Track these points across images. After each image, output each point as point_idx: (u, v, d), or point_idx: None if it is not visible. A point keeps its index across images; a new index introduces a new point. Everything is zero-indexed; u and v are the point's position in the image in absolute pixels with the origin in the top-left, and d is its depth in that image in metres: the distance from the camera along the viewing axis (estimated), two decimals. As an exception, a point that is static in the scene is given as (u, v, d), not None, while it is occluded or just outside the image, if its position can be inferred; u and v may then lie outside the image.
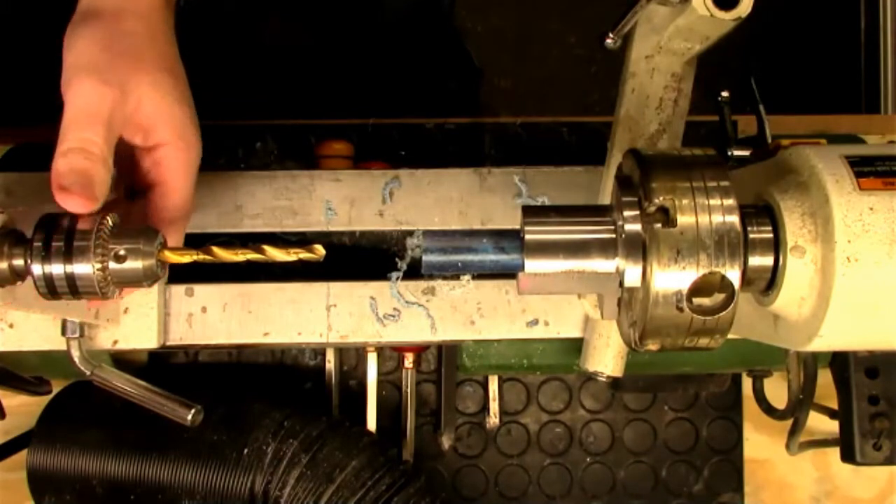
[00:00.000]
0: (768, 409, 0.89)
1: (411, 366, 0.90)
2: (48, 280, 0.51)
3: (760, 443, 0.96)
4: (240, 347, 0.75)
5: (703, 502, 0.96)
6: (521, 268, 0.48)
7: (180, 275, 0.68)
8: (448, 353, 0.89)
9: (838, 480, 0.96)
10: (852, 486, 0.96)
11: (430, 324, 0.72)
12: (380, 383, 0.91)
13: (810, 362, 0.80)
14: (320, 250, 0.51)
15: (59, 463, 0.79)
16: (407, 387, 0.91)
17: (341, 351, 0.92)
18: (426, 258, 0.48)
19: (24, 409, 0.86)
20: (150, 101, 0.54)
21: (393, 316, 0.72)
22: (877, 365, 0.77)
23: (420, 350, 0.91)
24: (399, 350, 0.90)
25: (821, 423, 0.84)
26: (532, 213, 0.49)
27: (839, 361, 0.79)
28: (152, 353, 0.83)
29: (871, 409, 0.77)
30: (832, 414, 0.81)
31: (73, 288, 0.51)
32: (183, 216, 0.58)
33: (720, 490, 0.96)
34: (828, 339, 0.46)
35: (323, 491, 0.75)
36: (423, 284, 0.73)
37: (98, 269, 0.50)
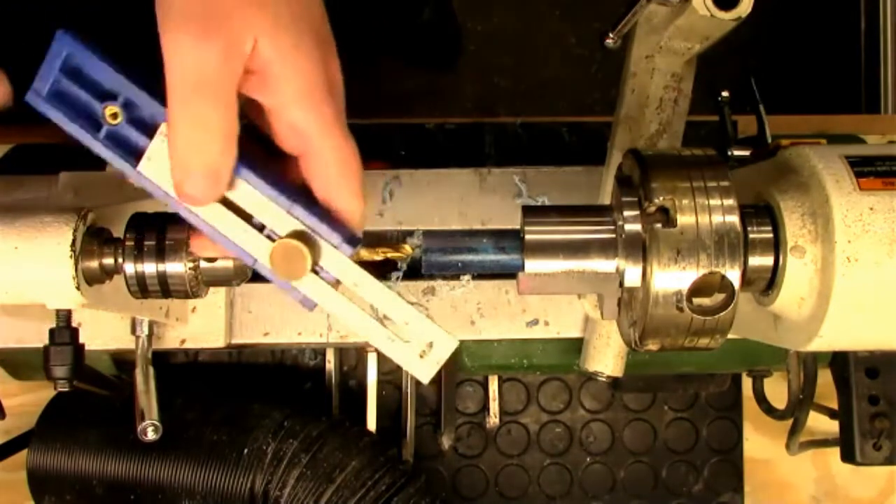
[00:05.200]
0: (768, 409, 0.89)
1: (411, 366, 0.90)
2: (140, 279, 0.51)
3: (760, 443, 0.96)
4: (240, 347, 0.75)
5: (703, 502, 0.96)
6: (521, 268, 0.48)
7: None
8: (448, 353, 0.89)
9: (838, 480, 0.96)
10: (852, 486, 0.96)
11: (430, 324, 0.72)
12: (380, 383, 0.91)
13: (810, 362, 0.80)
14: (407, 249, 0.49)
15: (59, 463, 0.79)
16: (407, 387, 0.90)
17: (341, 351, 0.92)
18: (426, 258, 0.48)
19: (24, 409, 0.86)
20: (267, 45, 0.41)
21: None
22: (877, 365, 0.77)
23: (420, 350, 0.91)
24: (399, 350, 0.90)
25: (821, 423, 0.84)
26: (532, 213, 0.49)
27: (839, 361, 0.79)
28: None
29: (871, 409, 0.77)
30: (832, 414, 0.81)
31: (164, 287, 0.51)
32: (350, 173, 0.45)
33: (720, 490, 0.96)
34: (828, 339, 0.46)
35: (323, 491, 0.75)
36: (423, 284, 0.73)
37: (190, 268, 0.50)
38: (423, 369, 0.46)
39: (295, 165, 0.46)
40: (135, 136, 0.44)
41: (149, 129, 0.44)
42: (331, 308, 0.45)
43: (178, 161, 0.42)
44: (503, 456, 0.96)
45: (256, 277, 0.52)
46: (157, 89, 0.43)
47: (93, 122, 0.44)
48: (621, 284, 0.47)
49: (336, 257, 0.45)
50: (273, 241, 0.44)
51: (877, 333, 0.46)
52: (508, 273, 0.49)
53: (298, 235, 0.44)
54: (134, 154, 0.44)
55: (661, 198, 0.45)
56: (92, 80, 0.44)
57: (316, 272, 0.45)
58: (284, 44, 0.42)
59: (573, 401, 0.96)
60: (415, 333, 0.46)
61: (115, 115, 0.44)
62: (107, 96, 0.44)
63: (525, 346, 0.79)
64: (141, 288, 0.51)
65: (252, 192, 0.44)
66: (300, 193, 0.45)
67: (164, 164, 0.43)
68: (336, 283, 0.46)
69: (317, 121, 0.44)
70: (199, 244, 0.48)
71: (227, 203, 0.44)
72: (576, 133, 0.87)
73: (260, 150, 0.47)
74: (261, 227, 0.45)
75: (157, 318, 0.67)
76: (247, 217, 0.45)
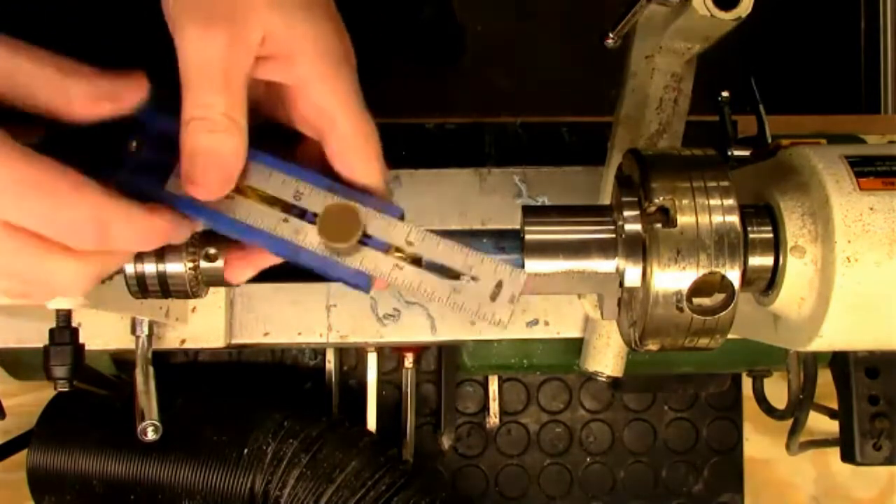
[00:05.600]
0: (768, 409, 0.89)
1: (411, 366, 0.90)
2: (140, 279, 0.51)
3: (760, 443, 0.96)
4: (240, 347, 0.75)
5: (703, 502, 0.96)
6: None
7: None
8: (448, 353, 0.89)
9: (838, 480, 0.96)
10: (852, 486, 0.96)
11: (430, 324, 0.72)
12: (380, 383, 0.91)
13: (810, 362, 0.80)
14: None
15: (59, 463, 0.79)
16: (407, 387, 0.91)
17: (341, 351, 0.92)
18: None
19: (24, 409, 0.86)
20: (277, 28, 0.42)
21: (393, 316, 0.72)
22: (877, 365, 0.77)
23: (420, 350, 0.91)
24: (399, 350, 0.90)
25: (821, 423, 0.84)
26: (532, 213, 0.49)
27: (839, 361, 0.79)
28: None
29: (871, 409, 0.77)
30: (832, 414, 0.81)
31: (164, 287, 0.51)
32: (371, 149, 0.46)
33: (720, 490, 0.96)
34: (828, 339, 0.46)
35: (323, 491, 0.75)
36: (423, 284, 0.73)
37: (190, 268, 0.50)
38: (498, 312, 0.44)
39: (314, 152, 0.46)
40: (160, 159, 0.43)
41: (174, 150, 0.43)
42: (389, 275, 0.44)
43: (187, 152, 0.42)
44: (503, 456, 0.96)
45: (257, 277, 0.52)
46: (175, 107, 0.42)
47: (117, 156, 0.43)
48: (621, 284, 0.47)
49: (383, 221, 0.44)
50: (314, 223, 0.43)
51: (877, 333, 0.46)
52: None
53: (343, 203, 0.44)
54: (161, 179, 0.43)
55: (661, 198, 0.45)
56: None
57: (364, 244, 0.44)
58: (295, 22, 0.43)
59: (573, 401, 0.96)
60: (481, 277, 0.44)
61: (138, 147, 0.43)
62: (130, 128, 0.43)
63: (525, 346, 0.79)
64: (141, 288, 0.51)
65: (288, 180, 0.44)
66: (328, 176, 0.45)
67: None
68: (386, 250, 0.44)
69: (336, 95, 0.44)
70: (234, 273, 0.47)
71: (266, 198, 0.44)
72: (576, 133, 0.87)
73: (280, 147, 0.47)
74: (301, 214, 0.44)
75: (157, 318, 0.67)
76: (286, 209, 0.44)
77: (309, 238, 0.44)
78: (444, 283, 0.44)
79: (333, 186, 0.44)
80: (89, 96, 0.41)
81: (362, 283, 0.44)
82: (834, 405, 0.80)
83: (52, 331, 0.60)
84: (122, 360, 0.81)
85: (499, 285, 0.44)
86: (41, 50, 0.40)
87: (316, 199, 0.44)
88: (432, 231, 0.44)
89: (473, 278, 0.44)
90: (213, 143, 0.41)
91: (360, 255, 0.44)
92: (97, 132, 0.42)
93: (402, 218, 0.45)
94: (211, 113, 0.41)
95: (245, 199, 0.44)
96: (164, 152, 0.43)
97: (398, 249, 0.44)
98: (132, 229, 0.40)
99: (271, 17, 0.42)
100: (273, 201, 0.44)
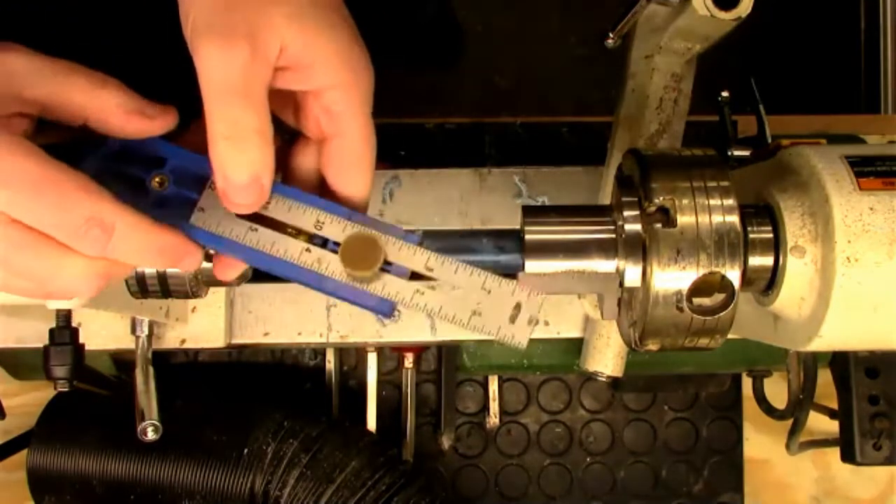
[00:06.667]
0: (768, 409, 0.89)
1: (411, 366, 0.90)
2: (140, 279, 0.51)
3: (760, 443, 0.96)
4: (240, 347, 0.75)
5: (703, 502, 0.96)
6: (522, 268, 0.48)
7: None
8: (448, 353, 0.89)
9: (838, 480, 0.96)
10: (852, 486, 0.96)
11: (430, 324, 0.72)
12: (380, 383, 0.91)
13: (810, 362, 0.80)
14: None
15: (59, 463, 0.79)
16: (407, 387, 0.91)
17: (341, 351, 0.92)
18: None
19: (24, 409, 0.86)
20: (295, 39, 0.42)
21: (393, 316, 0.72)
22: (877, 365, 0.77)
23: (420, 350, 0.91)
24: (399, 350, 0.90)
25: (821, 423, 0.84)
26: (532, 213, 0.49)
27: (839, 361, 0.79)
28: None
29: (871, 409, 0.77)
30: (832, 414, 0.81)
31: (164, 287, 0.51)
32: (369, 160, 0.48)
33: (720, 490, 0.96)
34: (828, 339, 0.46)
35: (323, 491, 0.75)
36: (423, 284, 0.73)
37: None
38: (517, 334, 0.45)
39: (309, 153, 0.47)
40: (185, 195, 0.44)
41: (199, 186, 0.44)
42: (412, 300, 0.45)
43: (220, 168, 0.42)
44: (503, 456, 0.96)
45: (257, 277, 0.52)
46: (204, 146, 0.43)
47: (141, 192, 0.44)
48: (621, 284, 0.47)
49: (403, 248, 0.45)
50: (335, 252, 0.44)
51: (877, 333, 0.46)
52: (508, 273, 0.49)
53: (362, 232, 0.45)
54: (185, 214, 0.44)
55: (661, 198, 0.45)
56: (138, 155, 0.44)
57: (385, 271, 0.45)
58: (312, 32, 0.43)
59: (573, 401, 0.96)
60: (500, 299, 0.45)
61: (161, 182, 0.44)
62: (154, 165, 0.44)
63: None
64: (141, 288, 0.52)
65: (308, 210, 0.45)
66: (346, 207, 0.46)
67: (217, 210, 0.44)
68: (408, 277, 0.45)
69: (351, 102, 0.45)
70: (224, 270, 0.47)
71: (288, 229, 0.44)
72: (576, 133, 0.87)
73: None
74: (323, 243, 0.45)
75: (157, 318, 0.67)
76: (308, 239, 0.45)
77: (332, 267, 0.44)
78: (464, 307, 0.45)
79: (352, 214, 0.45)
80: (123, 108, 0.41)
81: (386, 309, 0.45)
82: (834, 405, 0.80)
83: (52, 331, 0.60)
84: (122, 360, 0.81)
85: (517, 307, 0.45)
86: (76, 64, 0.41)
87: (336, 228, 0.45)
88: (451, 258, 0.45)
89: (492, 301, 0.45)
90: (244, 158, 0.42)
91: (382, 282, 0.45)
92: (120, 160, 0.43)
93: (420, 243, 0.45)
94: (238, 129, 0.41)
95: (269, 230, 0.44)
96: (187, 187, 0.44)
97: (419, 275, 0.45)
98: (136, 237, 0.41)
99: (289, 29, 0.42)
100: (295, 232, 0.45)
